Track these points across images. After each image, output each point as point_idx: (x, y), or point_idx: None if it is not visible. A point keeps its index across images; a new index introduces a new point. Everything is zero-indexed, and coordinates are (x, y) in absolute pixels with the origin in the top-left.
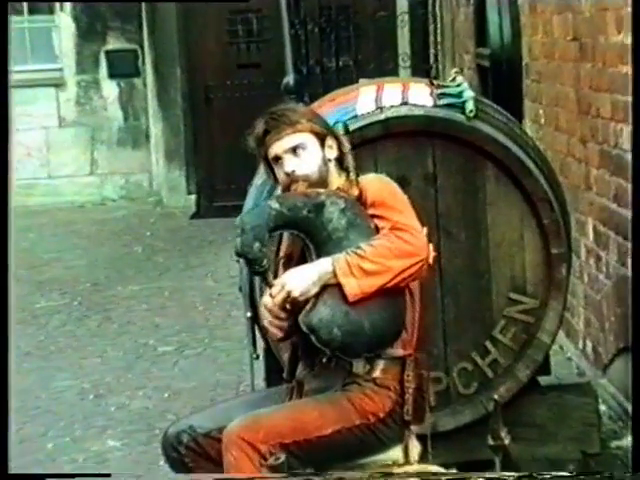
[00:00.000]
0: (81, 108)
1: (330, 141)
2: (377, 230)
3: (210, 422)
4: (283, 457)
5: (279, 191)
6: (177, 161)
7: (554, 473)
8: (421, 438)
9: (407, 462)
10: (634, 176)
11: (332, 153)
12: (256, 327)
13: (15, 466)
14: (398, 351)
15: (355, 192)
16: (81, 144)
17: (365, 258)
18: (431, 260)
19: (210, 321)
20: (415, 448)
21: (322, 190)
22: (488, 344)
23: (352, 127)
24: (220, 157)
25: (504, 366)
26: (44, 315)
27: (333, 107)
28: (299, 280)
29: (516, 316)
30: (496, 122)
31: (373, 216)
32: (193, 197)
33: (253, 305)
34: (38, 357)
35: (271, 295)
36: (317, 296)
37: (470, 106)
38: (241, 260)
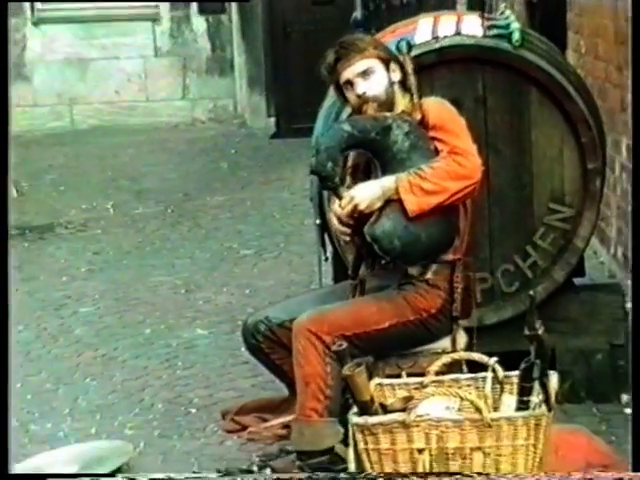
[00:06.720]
0: (174, 40)
1: (394, 65)
2: (436, 152)
3: (283, 314)
4: (345, 344)
5: (345, 114)
6: (259, 87)
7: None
8: (467, 330)
9: (454, 350)
10: (634, 174)
11: (396, 76)
12: (325, 233)
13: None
14: (449, 256)
15: (418, 116)
16: (174, 72)
17: (425, 179)
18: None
19: (286, 228)
20: (462, 339)
21: (389, 114)
22: (529, 248)
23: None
24: (297, 84)
25: (543, 268)
26: (142, 220)
27: (394, 37)
28: (366, 194)
29: (555, 224)
30: (540, 51)
31: (433, 138)
32: (273, 119)
33: (322, 214)
34: (136, 256)
35: (340, 206)
36: (381, 210)
37: (516, 36)
38: (314, 176)
